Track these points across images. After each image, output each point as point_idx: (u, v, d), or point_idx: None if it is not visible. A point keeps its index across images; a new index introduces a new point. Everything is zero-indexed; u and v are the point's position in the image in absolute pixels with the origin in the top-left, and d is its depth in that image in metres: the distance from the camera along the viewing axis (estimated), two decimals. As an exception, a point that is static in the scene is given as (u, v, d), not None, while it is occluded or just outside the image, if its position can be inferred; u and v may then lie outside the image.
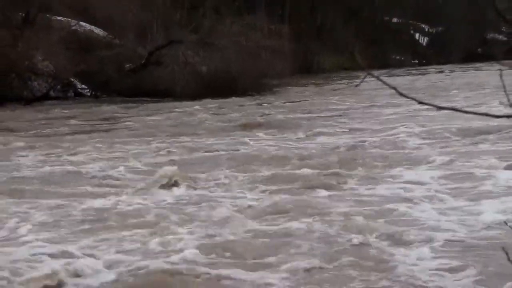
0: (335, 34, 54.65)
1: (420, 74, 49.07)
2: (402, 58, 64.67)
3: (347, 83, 39.63)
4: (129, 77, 34.32)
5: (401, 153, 14.27)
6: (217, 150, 15.66)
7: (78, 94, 34.26)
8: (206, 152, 15.54)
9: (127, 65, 35.20)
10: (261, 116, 23.92)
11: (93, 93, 34.11)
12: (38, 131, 21.25)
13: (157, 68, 34.47)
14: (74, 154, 15.57)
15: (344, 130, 18.76)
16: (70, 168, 13.62)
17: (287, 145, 16.31)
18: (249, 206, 10.09)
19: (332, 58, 52.36)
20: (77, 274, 7.39)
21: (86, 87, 34.61)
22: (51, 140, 18.73)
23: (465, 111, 2.32)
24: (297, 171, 12.58)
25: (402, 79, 41.76)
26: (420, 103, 2.22)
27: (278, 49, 37.57)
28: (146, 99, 31.36)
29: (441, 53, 65.36)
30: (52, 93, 33.03)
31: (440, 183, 11.20)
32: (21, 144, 17.47)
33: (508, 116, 2.08)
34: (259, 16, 39.51)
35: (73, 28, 37.16)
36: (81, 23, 38.21)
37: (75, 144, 17.38)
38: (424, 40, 70.96)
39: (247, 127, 20.36)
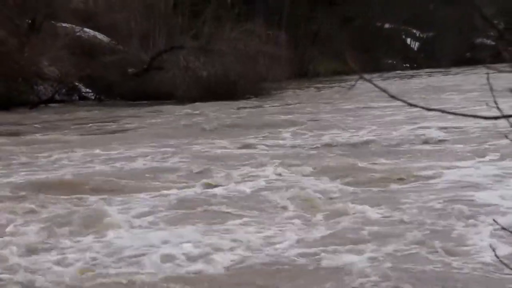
0: (330, 40, 54.61)
1: (411, 77, 49.17)
2: (394, 62, 64.72)
3: (341, 86, 39.56)
4: (132, 81, 34.30)
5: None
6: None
7: (83, 98, 34.25)
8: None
9: (130, 70, 35.19)
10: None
11: (97, 96, 34.09)
12: (84, 129, 22.05)
13: (159, 73, 34.50)
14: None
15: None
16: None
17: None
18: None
19: (327, 63, 52.32)
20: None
21: (90, 91, 34.60)
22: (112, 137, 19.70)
23: (454, 113, 2.36)
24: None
25: (394, 82, 41.83)
26: (411, 105, 2.26)
27: (275, 54, 37.62)
28: (146, 102, 31.39)
29: (431, 58, 65.48)
30: (57, 96, 33.01)
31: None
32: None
33: (495, 118, 2.12)
34: (257, 23, 39.48)
35: (78, 34, 37.15)
36: (85, 29, 38.20)
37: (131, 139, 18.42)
38: (415, 45, 71.03)
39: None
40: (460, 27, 60.94)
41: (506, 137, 2.51)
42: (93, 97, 34.24)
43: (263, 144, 16.62)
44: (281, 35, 42.43)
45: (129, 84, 33.97)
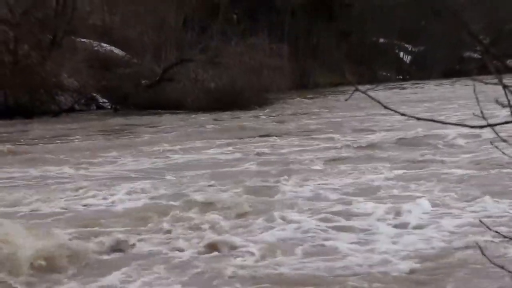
0: (328, 53, 54.67)
1: (403, 88, 49.18)
2: (388, 74, 64.76)
3: (339, 96, 39.61)
4: (145, 92, 34.33)
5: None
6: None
7: (100, 108, 34.31)
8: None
9: (143, 82, 35.20)
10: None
11: (113, 106, 34.11)
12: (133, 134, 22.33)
13: (170, 84, 34.50)
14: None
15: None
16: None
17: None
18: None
19: (326, 75, 52.35)
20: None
21: (106, 101, 34.64)
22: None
23: (442, 122, 2.36)
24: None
25: (388, 93, 41.84)
26: (403, 114, 2.27)
27: (278, 67, 37.59)
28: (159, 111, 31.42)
29: (423, 70, 65.49)
30: (76, 106, 33.07)
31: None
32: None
33: (481, 127, 2.13)
34: (261, 37, 39.48)
35: (95, 48, 37.27)
36: (102, 44, 38.31)
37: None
38: (407, 58, 71.03)
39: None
40: (449, 41, 60.88)
41: (491, 143, 2.52)
42: (109, 107, 34.28)
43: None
44: (283, 49, 42.33)
45: (142, 95, 33.98)
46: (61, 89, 32.95)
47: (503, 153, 2.57)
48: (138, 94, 34.03)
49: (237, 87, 32.82)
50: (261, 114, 29.73)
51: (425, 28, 66.56)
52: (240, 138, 19.54)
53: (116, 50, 38.36)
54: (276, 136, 19.96)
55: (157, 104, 32.64)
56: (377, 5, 61.28)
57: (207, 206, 9.85)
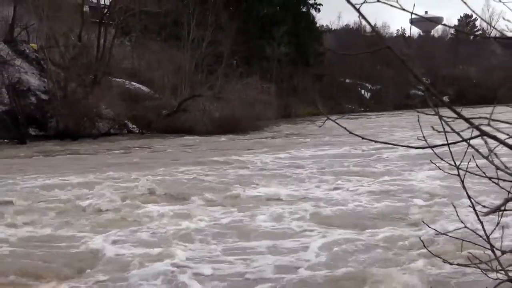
0: (306, 91, 54.72)
1: (364, 118, 49.30)
2: (353, 107, 64.78)
3: (313, 123, 39.69)
4: (165, 119, 34.35)
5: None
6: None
7: (130, 132, 34.26)
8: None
9: (164, 112, 35.22)
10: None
11: (140, 131, 34.09)
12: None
13: (184, 114, 34.53)
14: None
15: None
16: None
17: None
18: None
19: (304, 107, 52.39)
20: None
21: (135, 127, 34.59)
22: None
23: (393, 144, 2.35)
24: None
25: (353, 121, 41.95)
26: (363, 138, 2.25)
27: (267, 101, 37.79)
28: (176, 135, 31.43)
29: (379, 103, 65.62)
30: (112, 131, 33.03)
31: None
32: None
33: (423, 147, 2.12)
34: (255, 79, 39.65)
35: (127, 86, 37.32)
36: (132, 83, 38.36)
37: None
38: (367, 95, 71.21)
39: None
40: (399, 82, 61.17)
41: (431, 161, 2.51)
42: (137, 131, 34.23)
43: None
44: (271, 88, 42.53)
45: (163, 122, 34.01)
46: (100, 117, 32.90)
47: (439, 168, 2.56)
48: (159, 121, 34.05)
49: (236, 116, 32.94)
50: (255, 136, 29.86)
51: (380, 72, 66.88)
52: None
53: (143, 88, 38.41)
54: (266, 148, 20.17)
55: (174, 129, 32.65)
56: (343, 54, 61.57)
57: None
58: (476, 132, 1.80)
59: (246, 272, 6.61)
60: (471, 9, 2.09)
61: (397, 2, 1.85)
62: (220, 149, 22.14)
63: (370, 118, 49.54)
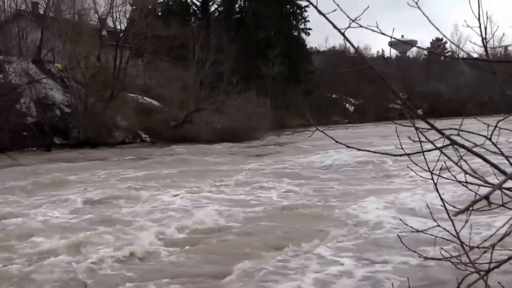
0: (297, 105, 54.74)
1: (349, 128, 49.32)
2: (338, 119, 64.74)
3: (304, 133, 39.70)
4: (173, 130, 34.33)
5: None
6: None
7: (142, 141, 34.25)
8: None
9: (172, 123, 35.20)
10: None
11: (151, 140, 34.08)
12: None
13: (190, 125, 34.52)
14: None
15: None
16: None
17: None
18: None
19: (295, 120, 52.36)
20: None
21: (147, 136, 34.58)
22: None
23: (374, 151, 2.35)
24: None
25: (339, 131, 41.93)
26: (348, 147, 2.25)
27: (263, 114, 37.76)
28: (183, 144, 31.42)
29: (362, 116, 65.61)
30: (126, 140, 33.02)
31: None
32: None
33: (400, 155, 2.12)
34: (252, 94, 39.71)
35: (140, 101, 37.31)
36: (145, 98, 38.35)
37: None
38: (351, 108, 71.25)
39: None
40: (379, 97, 61.24)
41: (408, 167, 2.51)
42: (149, 140, 34.23)
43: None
44: (266, 102, 42.65)
45: (171, 132, 33.97)
46: (116, 128, 32.91)
47: (415, 173, 2.56)
48: (168, 132, 33.99)
49: (235, 127, 32.90)
50: (252, 144, 29.87)
51: (363, 88, 66.98)
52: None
53: (154, 102, 38.39)
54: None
55: (181, 138, 32.61)
56: (330, 73, 61.81)
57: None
58: (447, 141, 1.80)
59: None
60: (442, 33, 2.10)
61: (377, 27, 1.86)
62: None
63: (354, 128, 49.57)
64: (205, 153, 24.16)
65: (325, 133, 2.11)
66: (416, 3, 1.91)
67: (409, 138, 1.98)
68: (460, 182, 1.98)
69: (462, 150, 1.81)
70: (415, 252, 2.43)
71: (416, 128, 1.87)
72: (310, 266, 6.33)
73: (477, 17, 1.83)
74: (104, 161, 21.24)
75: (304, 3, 57.46)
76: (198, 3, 56.85)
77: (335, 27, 1.73)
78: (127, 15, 40.53)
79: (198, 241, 7.42)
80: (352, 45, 1.87)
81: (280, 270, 6.15)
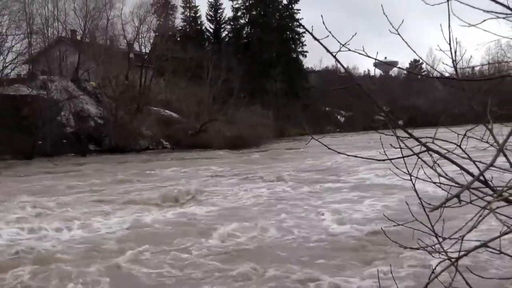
0: (296, 117, 54.56)
1: (340, 137, 49.20)
2: (331, 128, 64.50)
3: (302, 141, 39.63)
4: (190, 138, 34.36)
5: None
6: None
7: (164, 148, 34.25)
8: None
9: (190, 132, 35.25)
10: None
11: (172, 147, 34.10)
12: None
13: (204, 134, 34.53)
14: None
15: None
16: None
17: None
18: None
19: (295, 130, 52.20)
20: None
21: (168, 144, 34.64)
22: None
23: (361, 157, 2.34)
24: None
25: (332, 139, 41.82)
26: (339, 153, 2.25)
27: (267, 124, 37.70)
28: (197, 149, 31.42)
29: (351, 126, 65.25)
30: (150, 146, 33.07)
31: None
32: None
33: (383, 160, 2.11)
34: (257, 107, 39.72)
35: (161, 113, 37.38)
36: (166, 111, 38.41)
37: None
38: (342, 119, 71.00)
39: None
40: (366, 110, 60.99)
41: (390, 169, 2.50)
42: (169, 147, 34.27)
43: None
44: (270, 114, 42.54)
45: (188, 140, 34.00)
46: (141, 136, 33.00)
47: (396, 175, 2.55)
48: (186, 139, 34.05)
49: (243, 135, 32.87)
50: (257, 150, 29.81)
51: (352, 102, 66.81)
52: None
53: (174, 114, 38.45)
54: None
55: (197, 145, 32.68)
56: (324, 89, 61.64)
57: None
58: (424, 148, 1.80)
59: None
60: (418, 56, 2.11)
61: (363, 50, 1.87)
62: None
63: (344, 136, 49.43)
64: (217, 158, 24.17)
65: (319, 141, 2.12)
66: (397, 30, 1.92)
67: (391, 145, 1.98)
68: (434, 183, 1.98)
69: (436, 155, 1.81)
70: (396, 242, 2.43)
71: (397, 137, 1.87)
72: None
73: (448, 42, 1.84)
74: (147, 162, 21.32)
75: (301, 30, 57.63)
76: (211, 30, 57.41)
77: (327, 50, 1.74)
78: (151, 40, 40.95)
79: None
80: (342, 65, 1.88)
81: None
